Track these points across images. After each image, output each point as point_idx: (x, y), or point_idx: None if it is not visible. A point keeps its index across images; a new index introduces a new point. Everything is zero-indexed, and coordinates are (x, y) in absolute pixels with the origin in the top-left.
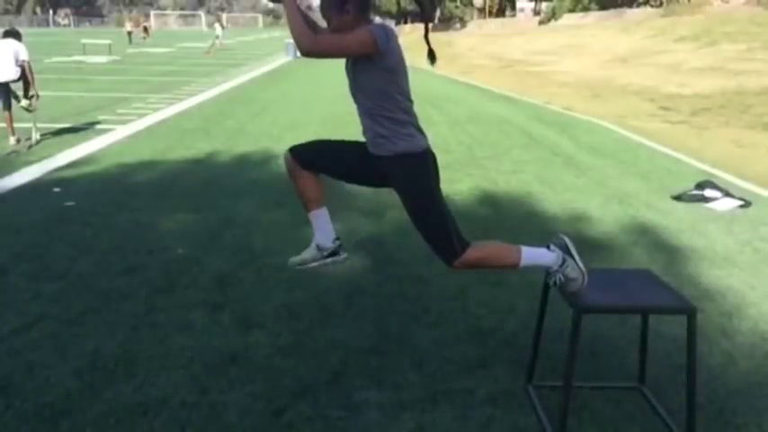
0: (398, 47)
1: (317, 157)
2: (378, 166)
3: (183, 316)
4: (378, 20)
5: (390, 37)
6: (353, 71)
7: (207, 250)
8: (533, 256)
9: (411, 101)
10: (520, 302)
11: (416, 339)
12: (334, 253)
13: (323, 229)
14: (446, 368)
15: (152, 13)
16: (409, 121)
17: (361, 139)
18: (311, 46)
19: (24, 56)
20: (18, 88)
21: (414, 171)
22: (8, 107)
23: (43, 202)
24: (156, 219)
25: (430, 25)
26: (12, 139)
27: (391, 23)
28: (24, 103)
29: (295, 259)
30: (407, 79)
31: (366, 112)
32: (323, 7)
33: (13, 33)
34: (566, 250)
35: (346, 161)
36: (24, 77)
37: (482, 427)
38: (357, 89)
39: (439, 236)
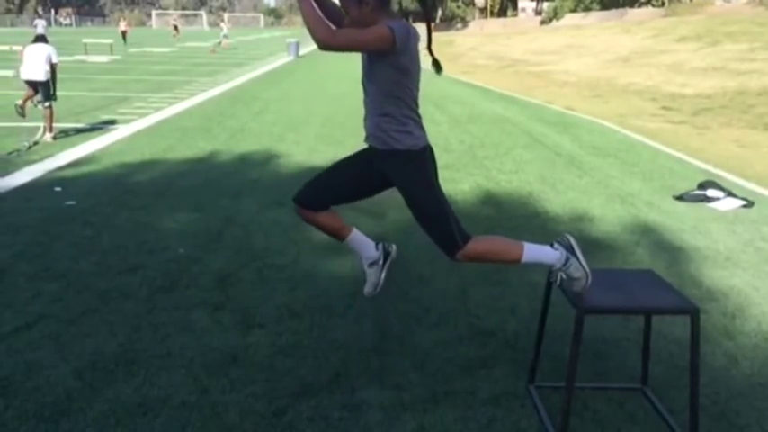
0: (416, 48)
1: (321, 197)
2: (377, 166)
3: (184, 316)
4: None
5: (411, 36)
6: (369, 63)
7: (208, 250)
8: (536, 253)
9: (417, 104)
10: (521, 303)
11: (417, 340)
12: (386, 256)
13: (364, 246)
14: (447, 368)
15: (153, 12)
16: (411, 119)
17: (359, 143)
18: (328, 39)
19: (56, 58)
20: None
21: (411, 167)
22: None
23: (44, 201)
24: (157, 218)
25: (432, 26)
26: (48, 136)
27: None
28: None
29: (368, 288)
30: (419, 83)
31: (372, 104)
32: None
33: (43, 38)
34: (570, 250)
35: (348, 184)
36: (53, 78)
37: (484, 427)
38: (368, 80)
39: (439, 228)
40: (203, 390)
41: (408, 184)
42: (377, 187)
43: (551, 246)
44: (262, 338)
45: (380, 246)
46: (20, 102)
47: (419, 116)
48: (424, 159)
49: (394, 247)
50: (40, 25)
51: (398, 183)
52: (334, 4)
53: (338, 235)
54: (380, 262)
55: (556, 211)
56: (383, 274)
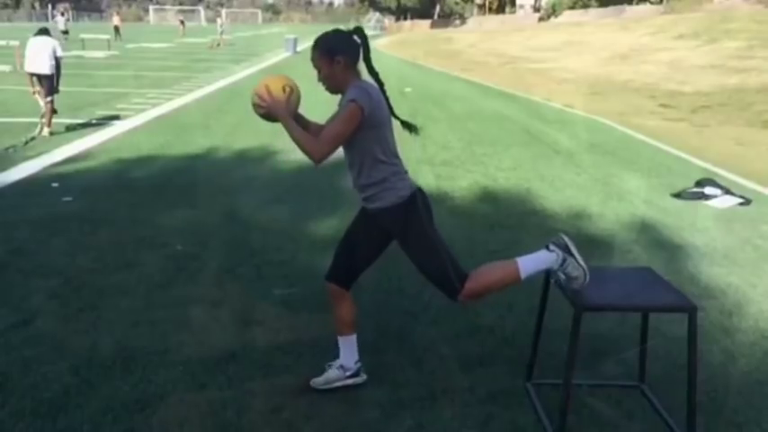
0: (381, 99)
1: (350, 270)
2: (375, 222)
3: (182, 312)
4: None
5: (371, 94)
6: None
7: (206, 246)
8: (532, 264)
9: (394, 151)
10: (519, 300)
11: (415, 337)
12: (355, 374)
13: (350, 353)
14: (445, 366)
15: (151, 8)
16: (392, 173)
17: None
18: (317, 154)
19: (60, 52)
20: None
21: (402, 218)
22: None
23: (41, 197)
24: (155, 215)
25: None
26: (45, 131)
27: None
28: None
29: (319, 380)
30: (392, 128)
31: (353, 172)
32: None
33: (46, 31)
34: (566, 249)
35: (367, 250)
36: (57, 72)
37: (481, 424)
38: (347, 150)
39: (437, 274)
40: (201, 386)
41: (402, 234)
42: (388, 241)
43: (547, 248)
44: (260, 335)
45: (359, 364)
46: (34, 94)
47: (400, 165)
48: (412, 208)
49: (365, 376)
50: (61, 21)
51: (394, 233)
52: (317, 125)
53: (345, 329)
54: (347, 374)
55: (554, 209)
56: (339, 384)
